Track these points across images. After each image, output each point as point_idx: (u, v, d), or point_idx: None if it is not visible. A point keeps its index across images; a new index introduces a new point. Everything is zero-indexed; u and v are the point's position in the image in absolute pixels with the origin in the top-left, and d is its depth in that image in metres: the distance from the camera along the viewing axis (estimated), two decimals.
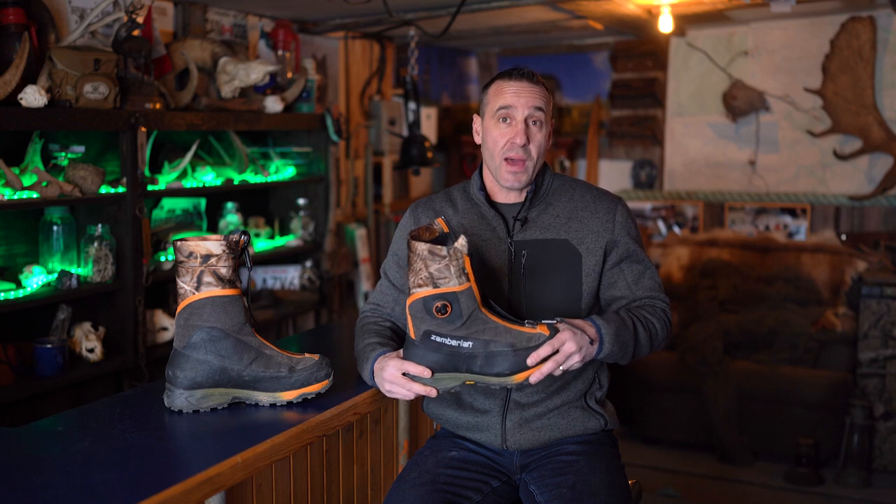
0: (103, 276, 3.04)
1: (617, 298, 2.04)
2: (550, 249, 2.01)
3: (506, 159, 2.00)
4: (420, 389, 1.86)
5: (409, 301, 1.82)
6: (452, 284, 1.78)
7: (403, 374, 1.86)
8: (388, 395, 1.92)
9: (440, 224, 1.90)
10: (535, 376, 1.79)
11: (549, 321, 1.84)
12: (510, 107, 1.99)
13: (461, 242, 1.80)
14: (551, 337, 1.79)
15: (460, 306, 1.79)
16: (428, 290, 1.79)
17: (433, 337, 1.80)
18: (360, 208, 4.79)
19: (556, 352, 1.79)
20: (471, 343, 1.78)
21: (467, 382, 1.83)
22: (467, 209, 2.09)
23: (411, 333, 1.83)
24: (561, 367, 1.80)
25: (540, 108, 1.99)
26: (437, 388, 1.84)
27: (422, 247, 1.78)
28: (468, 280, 1.79)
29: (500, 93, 2.01)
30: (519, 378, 1.79)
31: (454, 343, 1.79)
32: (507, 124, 2.00)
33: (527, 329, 1.80)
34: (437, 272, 1.78)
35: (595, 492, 1.88)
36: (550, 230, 2.03)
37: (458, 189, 2.16)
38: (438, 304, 1.78)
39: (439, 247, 1.78)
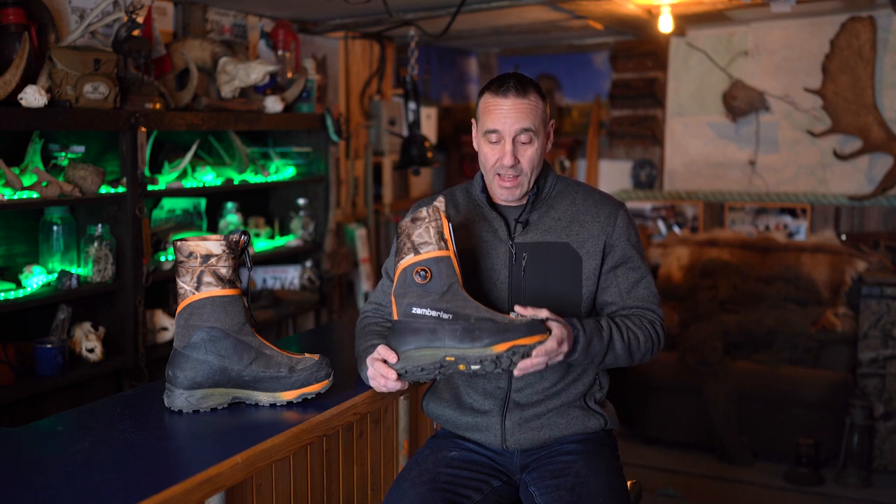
0: (103, 276, 3.04)
1: (608, 304, 2.04)
2: (551, 252, 2.01)
3: (497, 174, 2.01)
4: (381, 368, 1.85)
5: (393, 284, 1.86)
6: (432, 249, 1.82)
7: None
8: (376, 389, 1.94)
9: None
10: (526, 364, 1.78)
11: (530, 315, 1.83)
12: (497, 130, 1.98)
13: (439, 200, 1.87)
14: (537, 321, 1.79)
15: (440, 274, 1.81)
16: (409, 259, 1.83)
17: (414, 309, 1.81)
18: (360, 208, 4.79)
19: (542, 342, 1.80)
20: (450, 315, 1.80)
21: (447, 359, 1.80)
22: (469, 210, 2.09)
23: (395, 315, 1.85)
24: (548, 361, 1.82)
25: (527, 129, 1.97)
26: (416, 367, 1.82)
27: (405, 220, 1.86)
28: (447, 248, 1.83)
29: (488, 112, 1.99)
30: (499, 349, 1.77)
31: (434, 314, 1.80)
32: (497, 145, 2.00)
33: (508, 316, 1.82)
34: (418, 237, 1.83)
35: (594, 494, 1.88)
36: (552, 233, 2.03)
37: (460, 189, 2.17)
38: (418, 269, 1.81)
39: (420, 210, 1.85)
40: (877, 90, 4.81)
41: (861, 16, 4.76)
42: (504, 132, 1.97)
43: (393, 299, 1.85)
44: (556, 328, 1.80)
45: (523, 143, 1.99)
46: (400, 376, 1.85)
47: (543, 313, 1.83)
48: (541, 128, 2.00)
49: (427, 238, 1.82)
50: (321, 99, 4.29)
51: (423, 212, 1.83)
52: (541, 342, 1.78)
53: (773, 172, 5.18)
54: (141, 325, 3.14)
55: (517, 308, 1.84)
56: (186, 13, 3.64)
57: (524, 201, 2.07)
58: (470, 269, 2.01)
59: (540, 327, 1.79)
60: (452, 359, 1.80)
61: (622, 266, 2.04)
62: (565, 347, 1.82)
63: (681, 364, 4.29)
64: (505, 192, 2.02)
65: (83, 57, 2.84)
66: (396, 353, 1.84)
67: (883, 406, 4.02)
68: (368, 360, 1.91)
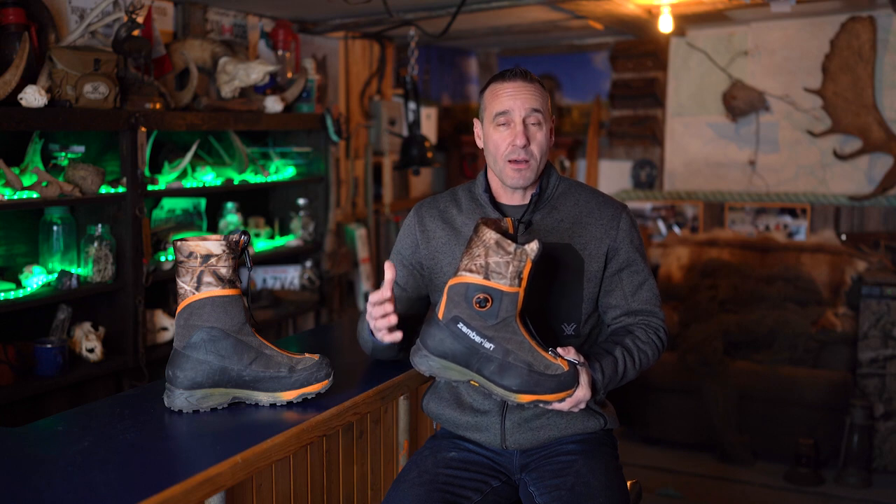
0: (103, 276, 3.04)
1: (612, 307, 2.05)
2: (553, 254, 2.01)
3: (509, 161, 2.00)
4: (381, 321, 1.95)
5: (451, 282, 1.79)
6: (503, 283, 1.75)
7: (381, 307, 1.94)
8: (376, 330, 1.99)
9: (507, 223, 1.85)
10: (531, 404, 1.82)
11: (571, 359, 1.83)
12: (507, 111, 1.98)
13: (532, 247, 1.75)
14: (570, 374, 1.79)
15: (500, 307, 1.75)
16: (477, 279, 1.75)
17: (460, 325, 1.76)
18: (360, 208, 4.79)
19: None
20: (492, 346, 1.76)
21: (472, 383, 1.82)
22: (472, 210, 2.09)
23: (440, 313, 1.80)
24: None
25: (537, 109, 1.98)
26: (441, 375, 1.82)
27: (491, 235, 1.75)
28: (519, 285, 1.76)
29: (497, 97, 2.00)
30: (523, 399, 1.78)
31: (477, 339, 1.76)
32: (507, 127, 1.99)
33: (548, 356, 1.79)
34: (495, 265, 1.75)
35: (593, 494, 1.88)
36: (554, 234, 2.03)
37: (462, 189, 2.16)
38: (480, 295, 1.75)
39: (508, 241, 1.74)
40: (877, 90, 4.81)
41: (861, 16, 4.76)
42: (514, 111, 1.98)
43: (445, 296, 1.79)
44: (581, 390, 1.82)
45: (533, 125, 1.99)
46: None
47: (580, 358, 1.84)
48: (547, 115, 2.02)
49: (502, 272, 1.74)
50: (321, 99, 4.29)
51: (511, 247, 1.74)
52: (562, 400, 1.80)
53: (773, 172, 5.18)
54: (141, 325, 3.14)
55: (560, 350, 1.83)
56: (186, 13, 3.64)
57: (527, 200, 2.07)
58: None
59: (569, 382, 1.79)
60: (477, 384, 1.82)
61: (626, 269, 2.04)
62: (582, 405, 1.85)
63: (681, 364, 4.29)
64: (517, 175, 2.00)
65: (83, 57, 2.84)
66: (425, 344, 1.80)
67: (883, 406, 4.02)
68: (370, 309, 1.97)
